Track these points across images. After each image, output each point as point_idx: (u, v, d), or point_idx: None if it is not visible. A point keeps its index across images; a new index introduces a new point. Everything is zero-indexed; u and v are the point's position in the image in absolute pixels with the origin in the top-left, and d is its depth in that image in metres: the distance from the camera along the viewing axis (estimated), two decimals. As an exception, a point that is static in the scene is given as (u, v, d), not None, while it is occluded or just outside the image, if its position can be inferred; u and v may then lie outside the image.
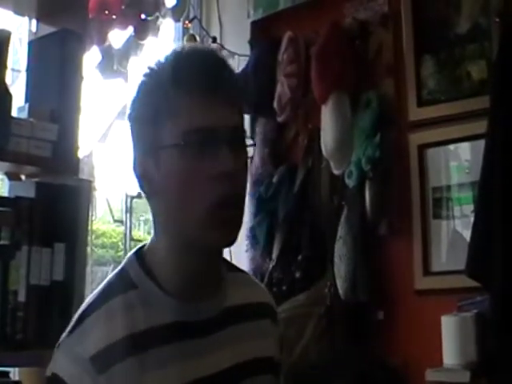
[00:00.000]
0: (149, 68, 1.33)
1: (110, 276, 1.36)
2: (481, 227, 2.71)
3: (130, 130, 1.35)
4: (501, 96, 2.75)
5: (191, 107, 1.25)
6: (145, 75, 1.33)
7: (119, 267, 1.37)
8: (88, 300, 1.33)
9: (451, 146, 3.10)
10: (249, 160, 1.35)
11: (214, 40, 3.52)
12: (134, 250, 1.39)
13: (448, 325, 2.72)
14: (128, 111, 1.35)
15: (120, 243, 3.44)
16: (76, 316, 1.31)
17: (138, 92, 1.33)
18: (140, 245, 1.40)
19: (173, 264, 1.31)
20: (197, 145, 1.24)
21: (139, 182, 1.33)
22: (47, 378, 1.26)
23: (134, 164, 1.33)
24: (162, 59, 1.32)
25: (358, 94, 3.23)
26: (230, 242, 1.30)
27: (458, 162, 3.09)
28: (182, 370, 1.27)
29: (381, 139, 3.08)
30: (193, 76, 1.26)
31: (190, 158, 1.24)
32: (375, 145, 3.07)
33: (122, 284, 1.32)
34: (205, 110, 1.25)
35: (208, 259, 1.35)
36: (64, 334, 1.29)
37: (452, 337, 2.70)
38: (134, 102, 1.33)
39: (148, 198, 1.34)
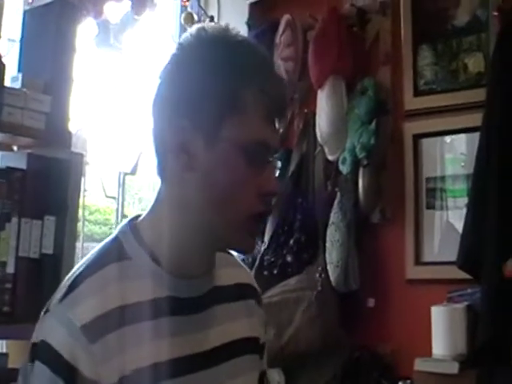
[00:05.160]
0: (222, 44, 1.30)
1: (101, 245, 1.33)
2: (473, 220, 2.71)
3: (183, 89, 1.28)
4: (497, 89, 2.74)
5: (262, 120, 1.28)
6: (218, 47, 1.29)
7: (111, 237, 1.34)
8: (79, 267, 1.28)
9: (447, 138, 3.10)
10: None
11: (212, 19, 3.48)
12: (126, 221, 1.36)
13: (438, 315, 2.72)
14: (194, 73, 1.28)
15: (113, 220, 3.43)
16: (67, 282, 1.26)
17: (209, 62, 1.28)
18: (131, 216, 1.38)
19: (175, 241, 1.30)
20: (258, 155, 1.27)
21: (175, 147, 1.27)
22: (34, 345, 1.21)
23: (170, 126, 1.27)
24: (228, 46, 1.30)
25: (355, 80, 3.21)
26: (251, 251, 1.40)
27: (454, 154, 3.07)
28: (173, 345, 1.26)
29: (376, 127, 3.06)
30: (270, 92, 1.29)
31: (247, 163, 1.27)
32: (370, 132, 3.05)
33: (115, 253, 1.29)
34: (270, 129, 1.29)
35: (217, 248, 1.37)
36: (55, 300, 1.24)
37: (441, 327, 2.69)
38: (203, 69, 1.28)
39: (178, 171, 1.29)
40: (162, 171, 1.31)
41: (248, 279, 1.51)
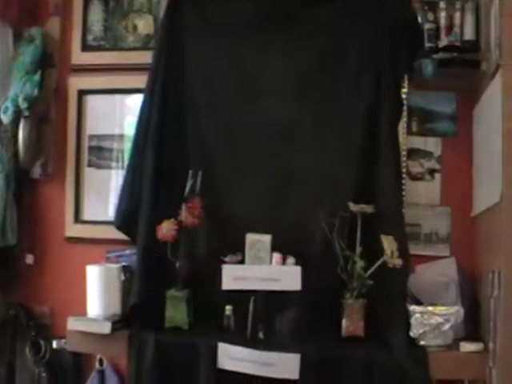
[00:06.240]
0: None
1: None
2: (130, 181, 2.78)
3: None
4: (162, 53, 2.83)
5: None
6: None
7: None
8: None
9: (128, 99, 3.10)
10: None
11: None
12: None
13: (93, 275, 2.71)
14: None
15: None
16: None
17: None
18: None
19: None
20: None
21: None
22: None
23: None
24: None
25: (22, 28, 3.09)
26: None
27: (129, 114, 3.06)
28: None
29: (41, 78, 3.00)
30: None
31: None
32: (34, 83, 2.98)
33: None
34: None
35: None
36: None
37: (96, 287, 2.69)
38: None
39: None
40: None
41: None
